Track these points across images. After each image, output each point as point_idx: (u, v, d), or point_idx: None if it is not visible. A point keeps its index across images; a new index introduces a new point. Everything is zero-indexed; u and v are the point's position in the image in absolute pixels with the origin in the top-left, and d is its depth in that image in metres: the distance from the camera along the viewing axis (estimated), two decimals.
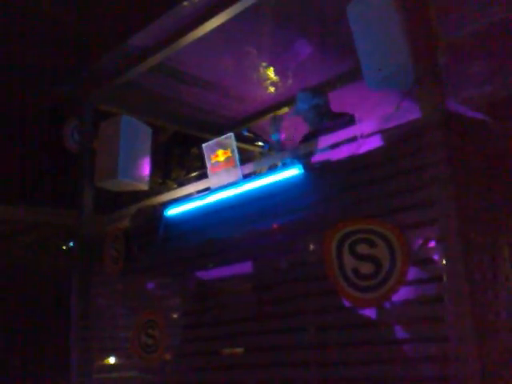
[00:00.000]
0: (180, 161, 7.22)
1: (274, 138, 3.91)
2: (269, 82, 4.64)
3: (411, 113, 2.52)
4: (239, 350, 3.19)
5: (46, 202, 5.55)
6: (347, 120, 3.57)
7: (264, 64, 4.45)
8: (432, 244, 2.43)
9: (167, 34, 3.76)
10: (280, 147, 3.86)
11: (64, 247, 6.38)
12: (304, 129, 4.11)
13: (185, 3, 3.49)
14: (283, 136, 3.91)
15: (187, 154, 6.95)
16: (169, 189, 4.73)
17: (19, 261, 6.00)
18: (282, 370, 2.83)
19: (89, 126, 4.50)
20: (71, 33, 4.69)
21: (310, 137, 3.75)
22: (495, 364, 2.26)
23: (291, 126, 4.33)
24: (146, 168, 4.24)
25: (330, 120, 3.90)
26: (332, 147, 2.93)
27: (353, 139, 2.81)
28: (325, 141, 2.98)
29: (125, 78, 4.24)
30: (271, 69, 4.49)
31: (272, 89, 4.74)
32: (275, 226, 3.07)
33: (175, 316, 3.64)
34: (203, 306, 3.40)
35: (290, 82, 4.62)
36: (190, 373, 3.37)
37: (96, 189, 4.34)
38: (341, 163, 2.80)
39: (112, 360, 3.94)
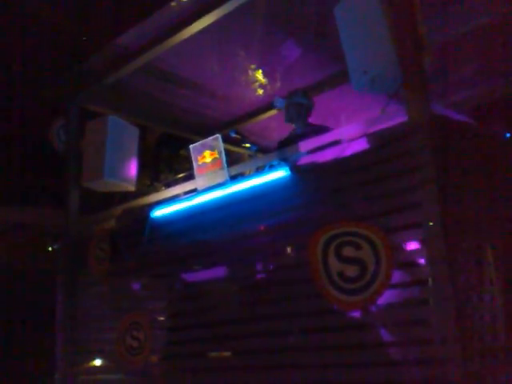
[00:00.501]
0: (168, 162, 7.19)
1: None
2: (257, 84, 4.64)
3: (397, 116, 2.53)
4: (225, 352, 3.18)
5: (32, 202, 5.50)
6: (323, 128, 3.60)
7: (252, 66, 4.44)
8: (417, 247, 2.44)
9: (155, 34, 3.75)
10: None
11: (50, 248, 6.32)
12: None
13: (172, 4, 3.48)
14: None
15: (176, 156, 6.93)
16: (156, 190, 4.70)
17: (4, 261, 5.94)
18: (267, 373, 2.83)
19: (75, 126, 4.47)
20: (58, 33, 4.66)
21: (288, 141, 3.78)
22: (479, 366, 2.27)
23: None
24: (132, 169, 4.21)
25: (304, 126, 3.92)
26: (317, 150, 2.93)
27: (338, 142, 2.81)
28: (311, 143, 2.98)
29: (112, 79, 4.22)
30: (259, 71, 4.49)
31: (260, 91, 4.74)
32: (262, 227, 3.07)
33: (161, 318, 3.62)
34: (189, 308, 3.39)
35: (278, 84, 4.62)
36: (175, 375, 3.35)
37: (83, 189, 4.31)
38: (327, 166, 2.80)
39: (97, 362, 3.91)
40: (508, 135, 2.97)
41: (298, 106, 3.99)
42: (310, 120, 4.05)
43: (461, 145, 2.55)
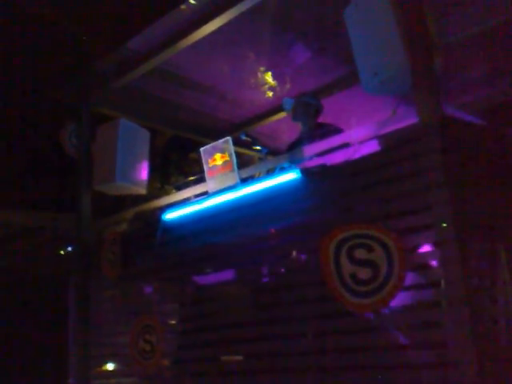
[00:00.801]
0: (178, 165, 7.20)
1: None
2: (267, 86, 4.64)
3: (408, 118, 2.52)
4: (237, 355, 3.18)
5: (43, 206, 5.54)
6: (334, 129, 3.60)
7: (262, 68, 4.45)
8: (429, 249, 2.43)
9: (165, 37, 3.77)
10: None
11: (62, 252, 6.36)
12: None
13: (183, 7, 3.50)
14: None
15: (185, 159, 6.94)
16: (167, 193, 4.72)
17: (16, 266, 5.98)
18: (280, 376, 2.82)
19: (87, 130, 4.49)
20: (70, 36, 4.68)
21: (298, 143, 3.78)
22: (493, 370, 2.25)
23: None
24: (143, 172, 4.23)
25: (312, 127, 3.91)
26: (328, 152, 2.92)
27: (349, 144, 2.80)
28: (322, 145, 2.98)
29: (123, 82, 4.25)
30: (269, 73, 4.50)
31: (270, 93, 4.75)
32: (273, 230, 3.06)
33: (172, 321, 3.63)
34: (201, 311, 3.39)
35: (287, 86, 4.62)
36: (186, 379, 3.36)
37: (94, 192, 4.34)
38: (338, 168, 2.80)
39: (110, 366, 3.92)
40: None
41: (306, 106, 3.99)
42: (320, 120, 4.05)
43: (472, 146, 2.53)
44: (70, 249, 5.73)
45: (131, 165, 4.13)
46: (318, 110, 4.05)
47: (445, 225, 2.27)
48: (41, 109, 5.55)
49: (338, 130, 3.64)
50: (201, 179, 3.67)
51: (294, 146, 3.86)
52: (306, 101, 4.00)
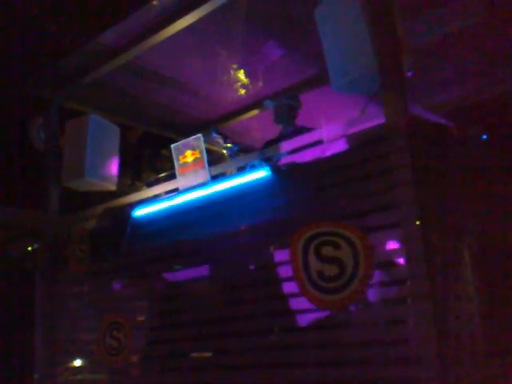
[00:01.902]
0: (150, 162, 7.14)
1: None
2: (239, 83, 4.65)
3: (376, 117, 2.55)
4: (206, 352, 3.19)
5: (10, 201, 5.44)
6: (302, 129, 3.66)
7: (234, 66, 4.45)
8: (395, 246, 2.47)
9: (136, 32, 3.73)
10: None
11: (30, 248, 6.25)
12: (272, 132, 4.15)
13: (154, 2, 3.47)
14: None
15: (158, 156, 6.89)
16: (137, 189, 4.68)
17: None
18: (247, 372, 2.84)
19: (55, 125, 4.42)
20: (39, 29, 4.61)
21: (275, 142, 3.80)
22: (455, 366, 2.30)
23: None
24: (113, 168, 4.19)
25: (291, 127, 3.96)
26: (298, 150, 2.95)
27: (318, 143, 2.83)
28: (291, 143, 3.00)
29: (93, 77, 4.19)
30: (241, 71, 4.50)
31: (242, 91, 4.75)
32: (243, 227, 3.07)
33: (141, 318, 3.61)
34: (170, 308, 3.38)
35: (259, 84, 4.64)
36: (154, 375, 3.35)
37: (62, 188, 4.28)
38: (307, 166, 2.82)
39: (77, 362, 3.88)
40: (484, 137, 3.02)
41: (288, 108, 4.04)
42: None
43: (439, 146, 2.58)
44: (37, 245, 5.64)
45: (101, 161, 4.09)
46: (297, 111, 4.10)
47: (417, 222, 2.30)
48: (9, 103, 5.44)
49: (306, 130, 3.69)
50: (172, 176, 3.66)
51: (272, 144, 3.89)
52: (288, 103, 4.04)
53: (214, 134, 3.88)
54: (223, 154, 4.28)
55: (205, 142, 3.38)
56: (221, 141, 4.00)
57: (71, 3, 4.14)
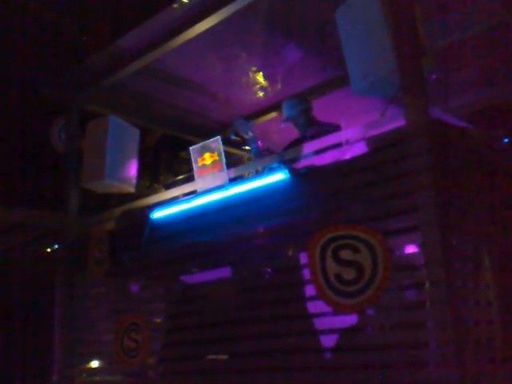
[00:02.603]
0: (168, 164, 7.19)
1: (250, 142, 3.98)
2: (257, 86, 4.65)
3: (396, 120, 2.54)
4: (223, 354, 3.18)
5: (30, 203, 5.50)
6: (333, 128, 3.63)
7: (253, 68, 4.46)
8: (414, 250, 2.45)
9: (156, 35, 3.76)
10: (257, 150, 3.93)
11: (48, 249, 6.32)
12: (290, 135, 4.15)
13: (175, 6, 3.50)
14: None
15: (175, 158, 6.93)
16: (155, 191, 4.71)
17: (3, 262, 5.94)
18: (265, 375, 2.83)
19: (76, 127, 4.48)
20: (61, 33, 4.67)
21: (298, 143, 3.79)
22: (475, 371, 2.27)
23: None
24: (133, 170, 4.22)
25: (317, 126, 3.94)
26: (317, 153, 2.94)
27: (338, 145, 2.82)
28: (311, 146, 2.99)
29: (113, 80, 4.23)
30: (260, 73, 4.51)
31: (260, 93, 4.76)
32: (261, 230, 3.07)
33: (159, 319, 3.62)
34: (187, 310, 3.39)
35: (278, 86, 4.64)
36: (172, 377, 3.35)
37: (82, 190, 4.32)
38: (326, 169, 2.81)
39: (95, 363, 3.91)
40: (506, 140, 2.98)
41: (303, 113, 4.05)
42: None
43: (459, 149, 2.56)
44: (56, 246, 5.70)
45: (120, 163, 4.12)
46: (312, 112, 4.10)
47: (430, 227, 2.28)
48: (31, 105, 5.51)
49: (338, 127, 3.66)
50: (190, 178, 3.67)
51: (296, 144, 3.88)
52: (304, 107, 4.05)
53: (233, 137, 3.88)
54: (243, 155, 4.29)
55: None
56: (246, 127, 3.99)
57: (92, 8, 4.19)
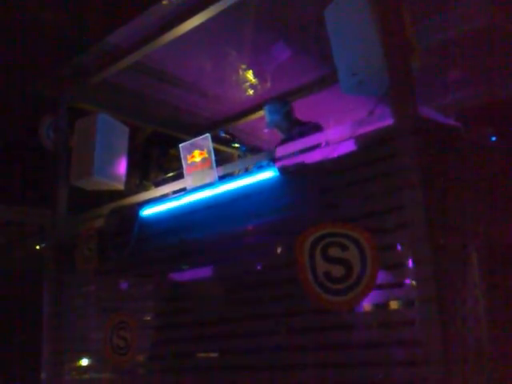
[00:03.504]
0: (158, 161, 7.16)
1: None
2: (247, 84, 4.65)
3: (384, 118, 2.55)
4: (212, 352, 3.19)
5: (18, 200, 5.47)
6: (314, 127, 3.66)
7: (243, 66, 4.46)
8: (402, 248, 2.46)
9: (146, 32, 3.75)
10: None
11: (38, 247, 6.29)
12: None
13: (164, 2, 3.48)
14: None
15: (165, 155, 6.91)
16: (145, 189, 4.70)
17: None
18: (253, 373, 2.84)
19: (64, 124, 4.45)
20: (49, 29, 4.63)
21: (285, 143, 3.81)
22: (461, 368, 2.29)
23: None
24: (122, 167, 4.20)
25: (300, 126, 3.96)
26: (306, 151, 2.95)
27: (326, 143, 2.83)
28: (299, 144, 3.00)
29: (102, 77, 4.21)
30: (250, 71, 4.50)
31: (250, 91, 4.75)
32: (250, 227, 3.08)
33: (148, 317, 3.62)
34: (176, 307, 3.39)
35: (268, 84, 4.64)
36: (161, 375, 3.35)
37: (71, 187, 4.29)
38: (314, 167, 2.82)
39: (84, 361, 3.90)
40: (494, 138, 3.00)
41: (289, 114, 4.07)
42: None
43: (447, 148, 2.57)
44: (44, 244, 5.67)
45: (109, 160, 4.10)
46: (294, 113, 4.12)
47: (417, 224, 2.30)
48: (18, 101, 5.47)
49: (318, 127, 3.68)
50: (179, 175, 3.67)
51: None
52: (286, 111, 4.06)
53: (223, 134, 3.90)
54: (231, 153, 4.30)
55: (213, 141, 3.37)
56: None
57: (80, 3, 4.16)
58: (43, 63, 4.42)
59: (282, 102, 4.20)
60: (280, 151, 3.14)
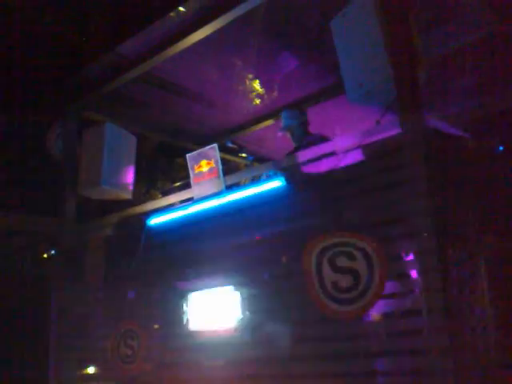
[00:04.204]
0: (165, 171, 7.19)
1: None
2: (254, 94, 4.67)
3: (392, 128, 2.56)
4: (218, 361, 3.18)
5: (27, 209, 5.50)
6: (321, 137, 3.69)
7: (250, 76, 4.48)
8: (410, 258, 2.46)
9: (154, 44, 3.78)
10: None
11: (46, 255, 6.30)
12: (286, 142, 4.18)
13: (172, 14, 3.52)
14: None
15: (172, 164, 6.94)
16: (152, 198, 4.72)
17: None
18: (263, 382, 2.83)
19: (73, 134, 4.48)
20: (58, 41, 4.67)
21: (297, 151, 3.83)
22: (470, 377, 2.28)
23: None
24: (129, 177, 4.23)
25: (309, 136, 3.99)
26: (313, 161, 2.96)
27: (333, 153, 2.84)
28: (307, 155, 3.01)
29: (111, 87, 4.24)
30: (257, 81, 4.53)
31: (257, 101, 4.78)
32: (257, 237, 3.08)
33: (155, 326, 3.62)
34: (183, 317, 3.39)
35: (274, 94, 4.66)
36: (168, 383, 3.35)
37: (79, 197, 4.32)
38: (322, 177, 2.83)
39: (91, 370, 3.90)
40: (501, 148, 3.00)
41: (304, 124, 4.11)
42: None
43: (454, 157, 2.58)
44: (52, 252, 5.69)
45: (117, 169, 4.13)
46: (308, 122, 4.16)
47: (426, 234, 2.30)
48: (28, 111, 5.51)
49: (323, 138, 3.70)
50: (186, 185, 3.68)
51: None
52: (304, 120, 4.10)
53: (230, 144, 3.91)
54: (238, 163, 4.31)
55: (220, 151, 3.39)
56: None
57: (90, 14, 4.20)
58: (53, 73, 4.45)
59: (300, 110, 4.25)
60: (287, 161, 3.15)
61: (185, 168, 3.64)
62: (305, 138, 4.07)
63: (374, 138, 2.65)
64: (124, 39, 3.76)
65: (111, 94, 4.37)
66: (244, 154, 4.16)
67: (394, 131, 2.54)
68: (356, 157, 2.68)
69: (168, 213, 3.59)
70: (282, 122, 4.23)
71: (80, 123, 4.53)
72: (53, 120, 4.83)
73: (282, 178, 2.98)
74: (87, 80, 4.21)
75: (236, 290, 3.17)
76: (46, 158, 4.90)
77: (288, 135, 4.20)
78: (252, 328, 2.95)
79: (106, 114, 4.69)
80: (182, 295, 3.45)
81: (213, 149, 3.41)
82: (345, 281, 2.52)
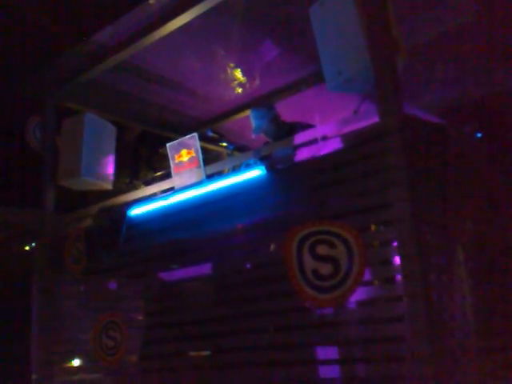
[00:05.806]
0: (148, 161, 7.14)
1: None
2: (235, 82, 4.64)
3: (370, 116, 2.56)
4: (202, 351, 3.19)
5: (8, 201, 5.44)
6: (305, 126, 3.65)
7: (231, 64, 4.45)
8: (389, 245, 2.48)
9: (132, 31, 3.73)
10: None
11: (27, 247, 6.25)
12: None
13: (150, 1, 3.47)
14: None
15: (155, 154, 6.89)
16: (134, 188, 4.68)
17: None
18: (243, 371, 2.84)
19: (51, 124, 4.42)
20: (35, 29, 4.60)
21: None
22: (449, 364, 2.31)
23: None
24: (110, 167, 4.19)
25: (287, 129, 3.92)
26: (294, 149, 2.95)
27: (313, 142, 2.83)
28: (286, 143, 3.00)
29: (89, 76, 4.18)
30: (238, 69, 4.50)
31: (239, 90, 4.75)
32: (238, 226, 3.08)
33: (137, 317, 3.61)
34: (166, 307, 3.39)
35: (256, 83, 4.63)
36: (151, 375, 3.35)
37: (59, 188, 4.27)
38: (302, 165, 2.83)
39: (73, 362, 3.88)
40: (479, 135, 3.03)
41: (274, 120, 4.03)
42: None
43: (432, 145, 2.59)
44: (34, 244, 5.64)
45: (97, 160, 4.09)
46: (279, 116, 4.09)
47: (403, 221, 2.31)
48: (5, 102, 5.43)
49: (308, 126, 3.67)
50: (167, 175, 3.66)
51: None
52: (273, 116, 4.02)
53: (210, 133, 3.87)
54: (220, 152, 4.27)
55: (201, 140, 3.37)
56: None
57: (67, 3, 4.13)
58: (30, 63, 4.38)
59: (266, 106, 4.12)
60: (267, 149, 3.15)
61: (167, 158, 3.61)
62: (281, 130, 3.98)
63: (353, 126, 2.65)
64: (101, 27, 3.70)
65: (90, 83, 4.30)
66: (224, 144, 4.12)
67: (373, 119, 2.54)
68: (335, 145, 2.68)
69: (149, 203, 3.57)
70: (253, 124, 4.09)
71: (58, 114, 4.47)
72: (31, 111, 4.76)
73: (263, 167, 2.97)
74: (65, 69, 4.14)
75: (217, 278, 3.18)
76: (24, 149, 4.83)
77: (263, 135, 4.10)
78: (233, 317, 2.95)
79: (85, 104, 4.62)
80: (164, 285, 3.45)
81: (193, 138, 3.39)
82: (325, 268, 2.52)
